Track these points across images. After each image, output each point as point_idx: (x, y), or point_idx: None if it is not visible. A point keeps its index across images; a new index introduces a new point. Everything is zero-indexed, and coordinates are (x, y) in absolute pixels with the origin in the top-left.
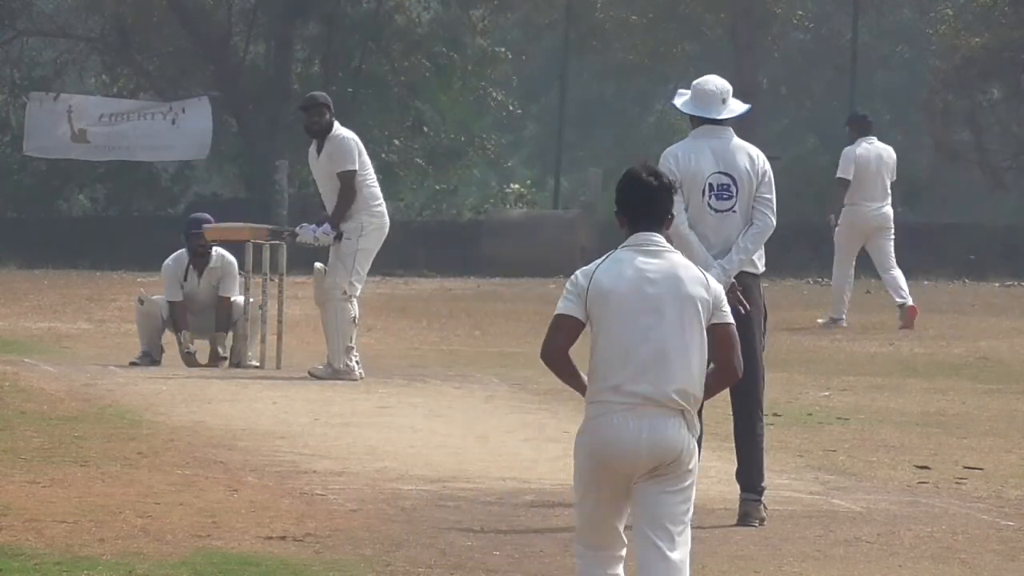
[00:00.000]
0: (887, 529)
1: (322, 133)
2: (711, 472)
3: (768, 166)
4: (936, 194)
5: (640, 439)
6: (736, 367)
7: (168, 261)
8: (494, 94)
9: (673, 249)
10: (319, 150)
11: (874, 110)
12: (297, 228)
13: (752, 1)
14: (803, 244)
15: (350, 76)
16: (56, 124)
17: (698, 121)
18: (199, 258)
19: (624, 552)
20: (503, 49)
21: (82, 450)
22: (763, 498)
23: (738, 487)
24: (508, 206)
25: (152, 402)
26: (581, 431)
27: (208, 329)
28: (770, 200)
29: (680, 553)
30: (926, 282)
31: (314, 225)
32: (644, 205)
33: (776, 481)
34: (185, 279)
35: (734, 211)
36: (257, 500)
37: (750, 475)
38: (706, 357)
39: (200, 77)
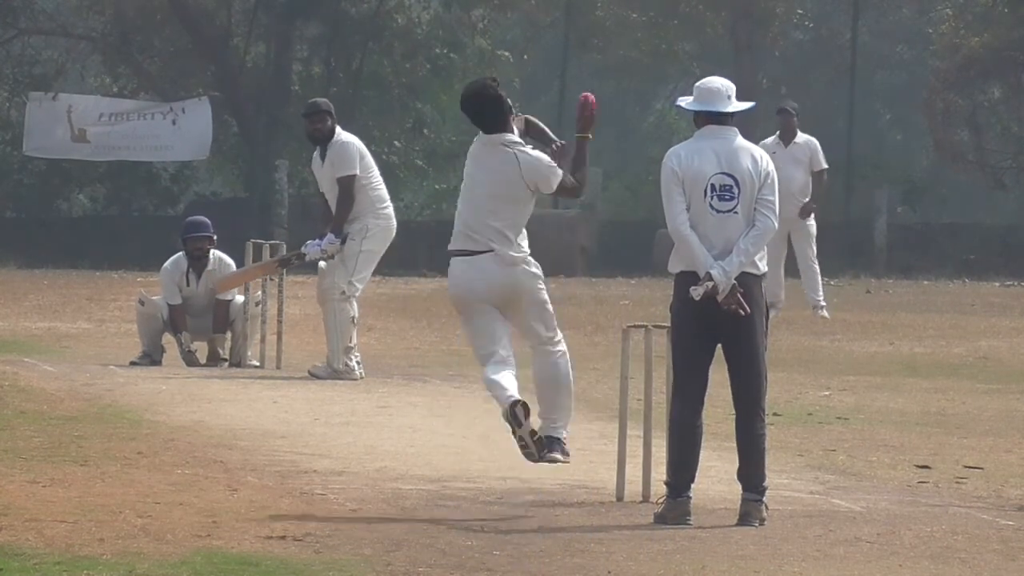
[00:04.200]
0: (887, 529)
1: (325, 139)
2: (711, 472)
3: (772, 167)
4: (936, 194)
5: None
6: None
7: (167, 264)
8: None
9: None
10: (323, 156)
11: (874, 110)
12: (303, 248)
13: (752, 0)
14: None
15: (350, 77)
16: (56, 124)
17: (703, 121)
18: (197, 262)
19: None
20: (504, 52)
21: (82, 450)
22: (764, 498)
23: (739, 487)
24: None
25: (152, 402)
26: None
27: (207, 331)
28: (772, 202)
29: None
30: (926, 282)
31: (317, 240)
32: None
33: (776, 481)
34: (186, 283)
35: (736, 212)
36: (257, 500)
37: (751, 475)
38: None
39: (200, 77)
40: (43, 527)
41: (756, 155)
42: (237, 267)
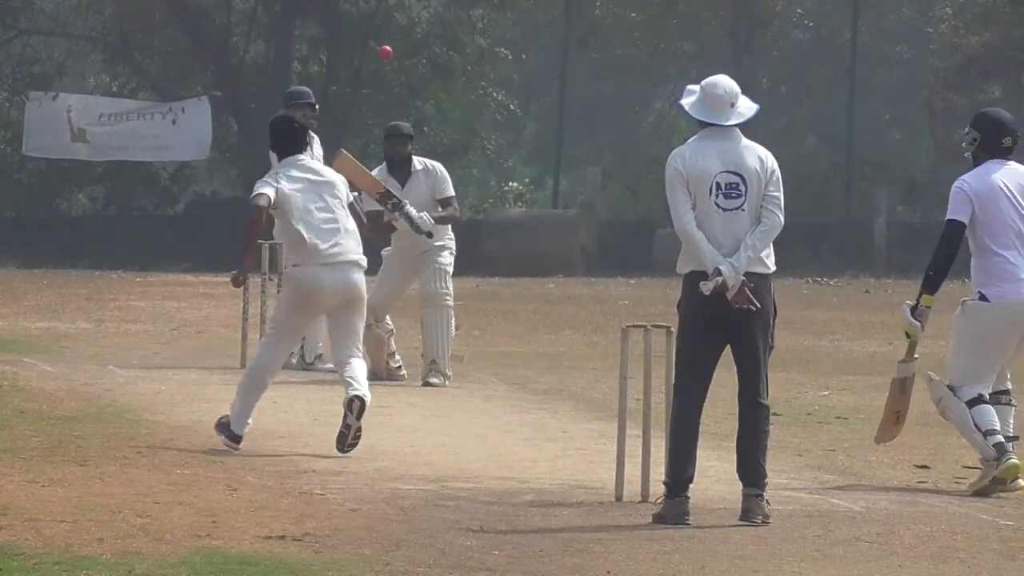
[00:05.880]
0: (887, 529)
1: (404, 164)
2: (711, 472)
3: (776, 166)
4: (936, 194)
5: None
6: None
7: None
8: (494, 94)
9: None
10: (400, 179)
11: (874, 110)
12: (408, 206)
13: (752, 0)
14: (802, 244)
15: (350, 76)
16: (56, 124)
17: (705, 124)
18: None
19: None
20: (503, 49)
21: (82, 450)
22: (765, 494)
23: (739, 485)
24: (507, 205)
25: (152, 402)
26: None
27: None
28: (778, 199)
29: None
30: None
31: (422, 212)
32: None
33: (776, 481)
34: None
35: (743, 210)
36: (257, 500)
37: (752, 471)
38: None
39: (200, 77)
40: (43, 527)
41: (761, 154)
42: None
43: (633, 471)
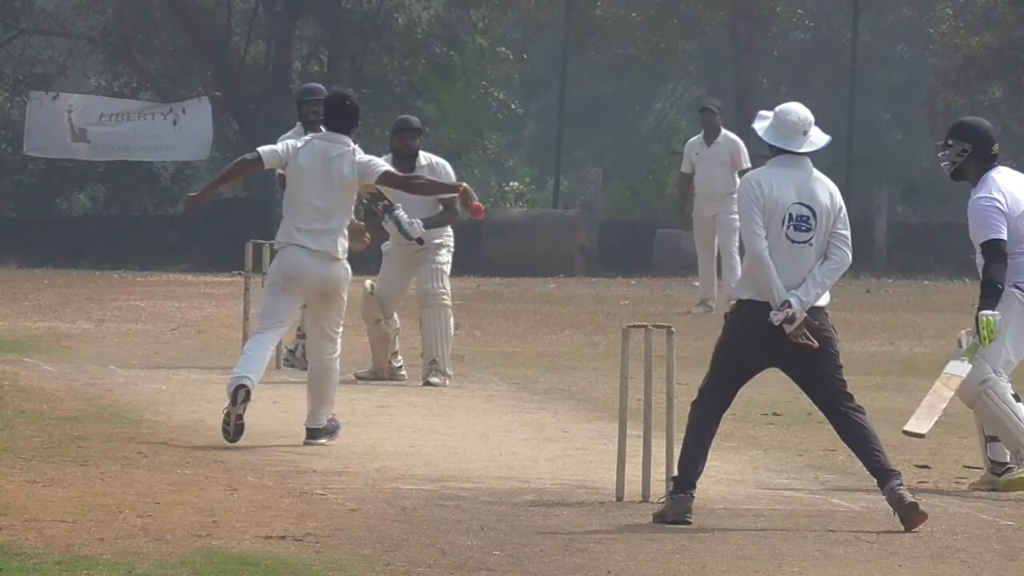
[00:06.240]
0: (887, 529)
1: (411, 157)
2: (711, 472)
3: (842, 202)
4: (936, 194)
5: None
6: None
7: (287, 133)
8: (496, 93)
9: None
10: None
11: (874, 110)
12: (399, 210)
13: (752, 0)
14: None
15: (351, 76)
16: (57, 124)
17: (777, 149)
18: (312, 127)
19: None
20: (504, 49)
21: (82, 450)
22: (903, 479)
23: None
24: (508, 205)
25: (152, 402)
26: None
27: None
28: (847, 236)
29: None
30: (926, 282)
31: (414, 219)
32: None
33: (776, 481)
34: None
35: (810, 244)
36: (257, 500)
37: (883, 471)
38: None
39: (201, 77)
40: (43, 527)
41: (832, 189)
42: (239, 268)
43: (634, 471)
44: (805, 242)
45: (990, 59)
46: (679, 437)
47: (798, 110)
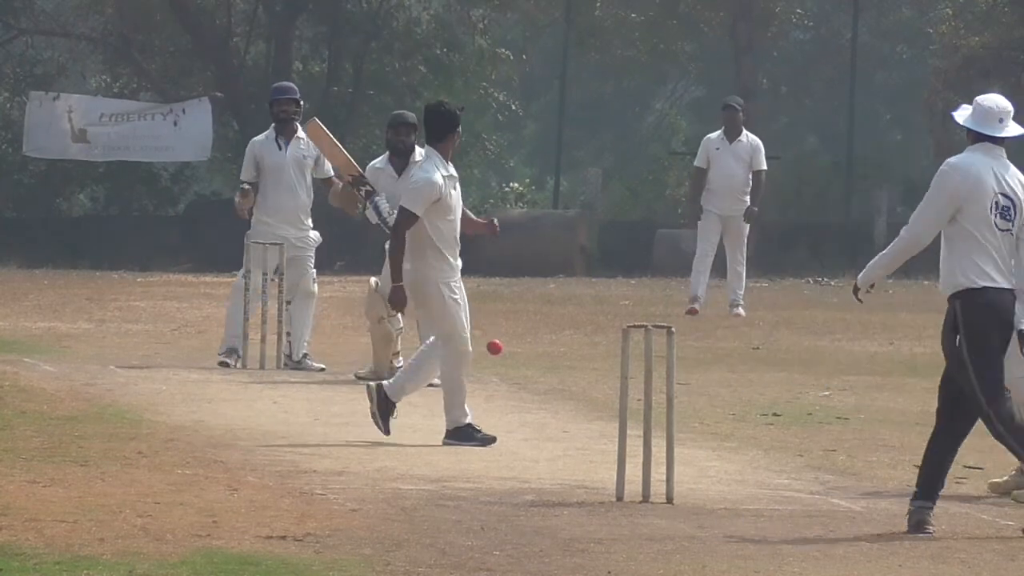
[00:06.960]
0: (887, 529)
1: (406, 153)
2: (711, 472)
3: None
4: None
5: None
6: None
7: (255, 139)
8: (496, 94)
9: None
10: (397, 169)
11: (874, 110)
12: (379, 197)
13: (752, 0)
14: (802, 244)
15: (351, 76)
16: (57, 124)
17: (975, 137)
18: (285, 125)
19: None
20: (503, 50)
21: (82, 450)
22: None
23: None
24: (508, 206)
25: (152, 402)
26: None
27: (292, 210)
28: None
29: None
30: (926, 282)
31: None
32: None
33: (776, 481)
34: (276, 147)
35: (1011, 233)
36: (257, 500)
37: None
38: None
39: (201, 77)
40: (43, 527)
41: None
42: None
43: (634, 471)
44: (1007, 230)
45: (990, 59)
46: (679, 437)
47: (996, 99)
